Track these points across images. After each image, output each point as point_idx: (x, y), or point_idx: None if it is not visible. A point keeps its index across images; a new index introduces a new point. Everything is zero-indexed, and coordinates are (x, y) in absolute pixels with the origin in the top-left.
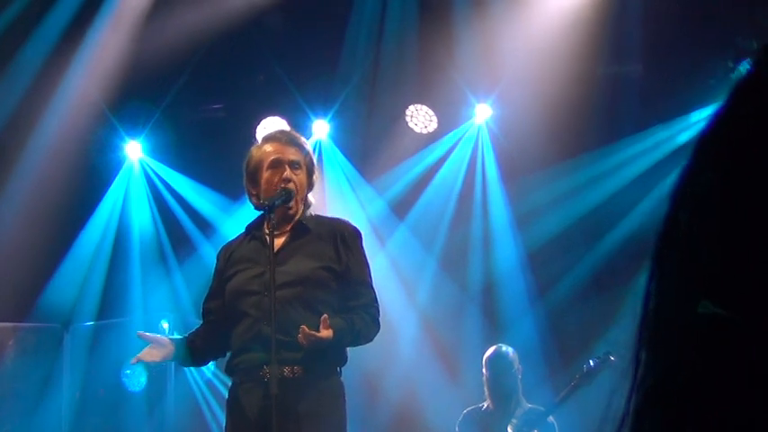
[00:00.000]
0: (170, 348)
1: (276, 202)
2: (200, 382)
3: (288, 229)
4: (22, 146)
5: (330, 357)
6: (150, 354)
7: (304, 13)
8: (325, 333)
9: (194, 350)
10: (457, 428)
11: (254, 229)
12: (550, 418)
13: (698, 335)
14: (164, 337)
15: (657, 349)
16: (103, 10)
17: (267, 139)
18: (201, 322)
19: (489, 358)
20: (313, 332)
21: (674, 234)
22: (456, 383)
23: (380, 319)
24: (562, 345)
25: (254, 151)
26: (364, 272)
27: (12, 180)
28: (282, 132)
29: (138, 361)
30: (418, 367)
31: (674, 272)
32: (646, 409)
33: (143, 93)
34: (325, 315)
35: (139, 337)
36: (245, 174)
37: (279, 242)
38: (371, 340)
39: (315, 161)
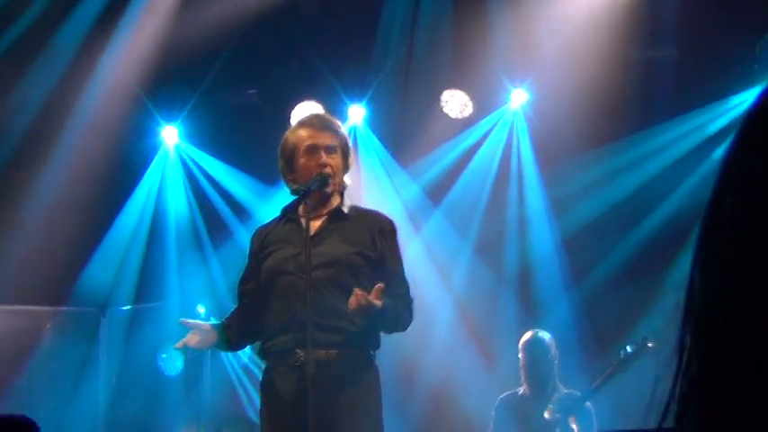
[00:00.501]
0: (213, 335)
1: (312, 187)
2: (237, 366)
3: (324, 212)
4: (59, 131)
5: (363, 341)
6: (194, 339)
7: None
8: (377, 301)
9: (230, 334)
10: (493, 413)
11: (289, 212)
12: (587, 404)
13: (737, 322)
14: (206, 323)
15: (702, 336)
16: None
17: (301, 123)
18: (236, 305)
19: (526, 343)
20: (365, 294)
21: (719, 218)
22: (491, 368)
23: (414, 307)
24: (597, 330)
25: (288, 136)
26: (399, 263)
27: (49, 165)
28: (317, 117)
29: (184, 345)
30: (454, 352)
31: (719, 256)
32: (691, 396)
33: (179, 78)
34: (381, 284)
35: (182, 324)
36: (280, 158)
37: (315, 225)
38: (405, 329)
39: (350, 144)
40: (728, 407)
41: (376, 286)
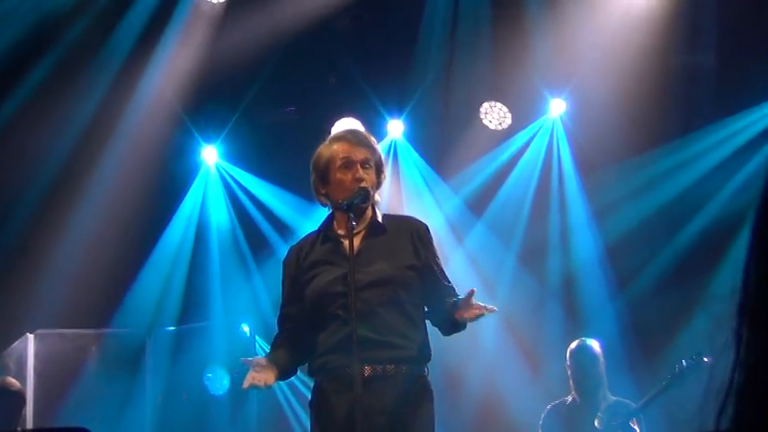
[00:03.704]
0: (273, 369)
1: (355, 201)
2: (283, 385)
3: (362, 228)
4: (100, 151)
5: (418, 355)
6: (260, 378)
7: (377, 12)
8: (490, 307)
9: (283, 364)
10: (541, 422)
11: (325, 230)
12: (633, 409)
13: None
14: (263, 358)
15: (760, 326)
16: (176, 15)
17: (336, 138)
18: (278, 330)
19: (573, 351)
20: (479, 306)
21: None
22: (538, 378)
23: None
24: (643, 337)
25: (322, 150)
26: (442, 267)
27: (90, 186)
28: (351, 132)
29: (251, 386)
30: (499, 363)
31: None
32: (749, 387)
33: (217, 98)
34: (473, 289)
35: (243, 363)
36: (313, 172)
37: (355, 242)
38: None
39: (383, 159)
40: None
41: (470, 291)
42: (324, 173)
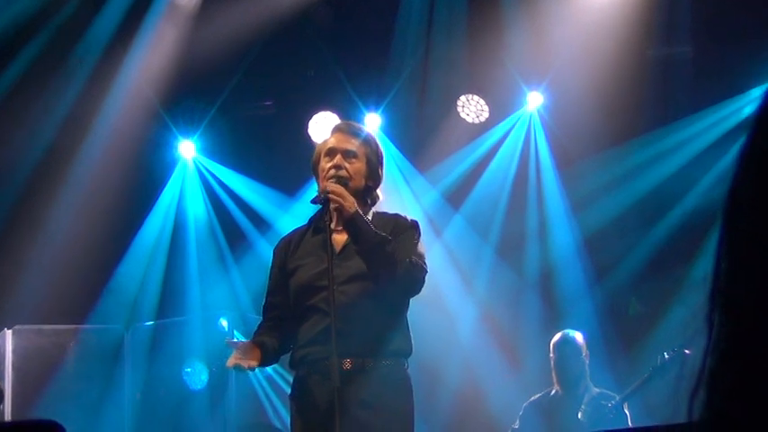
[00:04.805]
0: (257, 353)
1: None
2: (261, 378)
3: None
4: (77, 146)
5: (398, 349)
6: (243, 360)
7: (353, 6)
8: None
9: (266, 351)
10: (521, 413)
11: (316, 222)
12: (624, 406)
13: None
14: (248, 342)
15: (730, 312)
16: (154, 8)
17: (332, 130)
18: (262, 319)
19: (556, 343)
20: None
21: (743, 196)
22: (516, 371)
23: (423, 276)
24: (622, 329)
25: (318, 143)
26: (410, 243)
27: (67, 182)
28: (346, 123)
29: (235, 365)
30: (478, 356)
31: (745, 233)
32: (720, 372)
33: (194, 92)
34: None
35: (227, 345)
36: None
37: (344, 237)
38: (402, 276)
39: (379, 153)
40: (759, 384)
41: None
42: (315, 165)
